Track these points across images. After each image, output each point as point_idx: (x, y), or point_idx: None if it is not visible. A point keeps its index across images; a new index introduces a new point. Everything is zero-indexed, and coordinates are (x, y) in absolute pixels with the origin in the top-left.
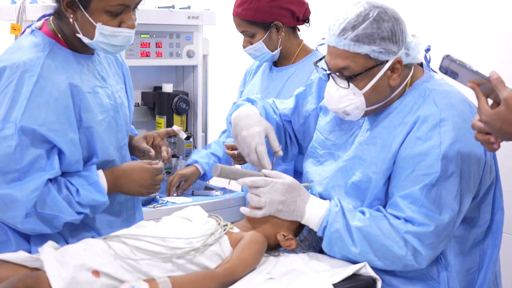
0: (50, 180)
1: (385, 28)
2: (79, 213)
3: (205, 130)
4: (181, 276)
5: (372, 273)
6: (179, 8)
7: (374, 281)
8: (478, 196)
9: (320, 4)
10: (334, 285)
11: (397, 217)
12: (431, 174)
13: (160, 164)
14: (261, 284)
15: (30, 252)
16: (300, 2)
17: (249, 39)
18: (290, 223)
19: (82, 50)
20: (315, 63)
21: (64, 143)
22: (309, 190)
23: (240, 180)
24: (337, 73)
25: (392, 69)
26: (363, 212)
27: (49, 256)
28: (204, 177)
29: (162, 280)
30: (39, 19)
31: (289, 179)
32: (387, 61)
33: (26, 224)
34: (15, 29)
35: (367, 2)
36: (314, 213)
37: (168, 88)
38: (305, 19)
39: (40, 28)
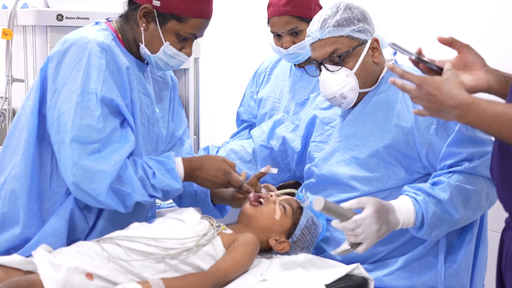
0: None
1: (357, 13)
2: (151, 196)
3: (197, 133)
4: (174, 278)
5: (365, 273)
6: None
7: (366, 281)
8: None
9: None
10: (326, 285)
11: (460, 163)
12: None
13: (240, 178)
14: (254, 286)
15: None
16: None
17: (293, 38)
18: (281, 226)
19: (136, 56)
20: (304, 65)
21: (130, 118)
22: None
23: (333, 222)
24: (329, 58)
25: (372, 48)
26: (438, 182)
27: (43, 259)
28: None
29: (155, 282)
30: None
31: (372, 207)
32: (366, 40)
33: (107, 198)
34: (6, 34)
35: (333, 2)
36: (406, 216)
37: None
38: None
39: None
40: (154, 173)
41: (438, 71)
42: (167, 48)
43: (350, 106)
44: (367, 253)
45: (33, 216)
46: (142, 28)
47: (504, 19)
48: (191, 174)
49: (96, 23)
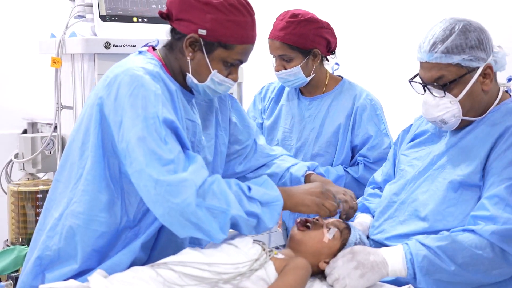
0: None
1: (472, 38)
2: (249, 213)
3: None
4: None
5: None
6: None
7: None
8: None
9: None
10: None
11: (479, 219)
12: None
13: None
14: None
15: (86, 271)
16: (334, 34)
17: (284, 63)
18: (330, 248)
19: (181, 84)
20: (411, 80)
21: (188, 142)
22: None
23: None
24: (434, 83)
25: (483, 75)
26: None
27: (99, 284)
28: None
29: None
30: (143, 46)
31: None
32: (478, 67)
33: (198, 211)
34: (55, 62)
35: (450, 18)
36: (393, 255)
37: None
38: (333, 51)
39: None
40: (249, 187)
41: None
42: (215, 76)
43: (452, 129)
44: None
45: (92, 251)
46: (188, 58)
47: None
48: (286, 191)
49: (140, 53)
